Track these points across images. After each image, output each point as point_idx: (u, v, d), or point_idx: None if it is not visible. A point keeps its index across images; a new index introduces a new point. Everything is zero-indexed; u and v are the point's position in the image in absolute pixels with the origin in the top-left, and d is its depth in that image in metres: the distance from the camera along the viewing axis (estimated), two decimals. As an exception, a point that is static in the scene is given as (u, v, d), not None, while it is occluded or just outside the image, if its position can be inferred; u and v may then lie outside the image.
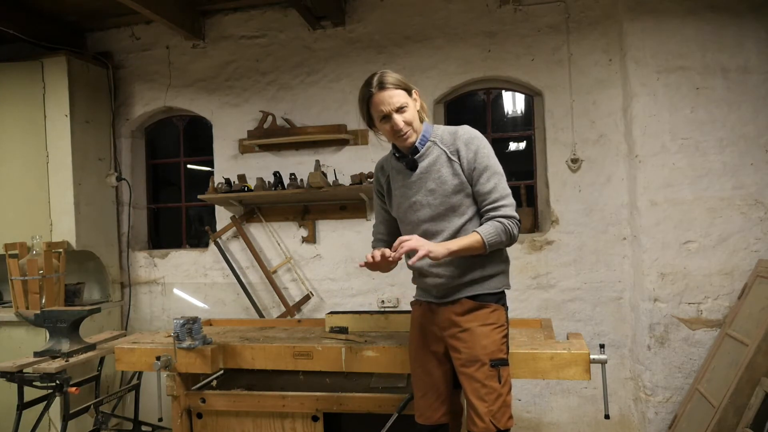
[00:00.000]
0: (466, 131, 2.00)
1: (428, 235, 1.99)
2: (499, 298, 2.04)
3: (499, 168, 1.98)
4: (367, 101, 1.99)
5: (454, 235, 1.97)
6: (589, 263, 3.67)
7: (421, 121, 2.04)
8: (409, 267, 2.00)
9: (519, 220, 1.96)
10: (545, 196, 3.84)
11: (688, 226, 3.38)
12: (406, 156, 2.04)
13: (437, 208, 1.98)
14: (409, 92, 1.99)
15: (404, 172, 2.06)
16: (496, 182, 1.95)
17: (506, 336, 2.02)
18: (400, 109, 1.96)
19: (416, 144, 2.00)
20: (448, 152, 1.98)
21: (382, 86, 1.94)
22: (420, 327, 2.13)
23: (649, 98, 3.41)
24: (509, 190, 1.97)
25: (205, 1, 4.08)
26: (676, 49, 3.38)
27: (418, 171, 2.01)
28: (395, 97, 1.94)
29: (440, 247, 1.88)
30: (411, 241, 1.86)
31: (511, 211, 1.94)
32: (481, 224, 1.96)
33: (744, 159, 3.33)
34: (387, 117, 1.97)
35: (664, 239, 3.39)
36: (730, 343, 3.15)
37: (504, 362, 1.96)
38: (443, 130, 2.04)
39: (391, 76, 1.97)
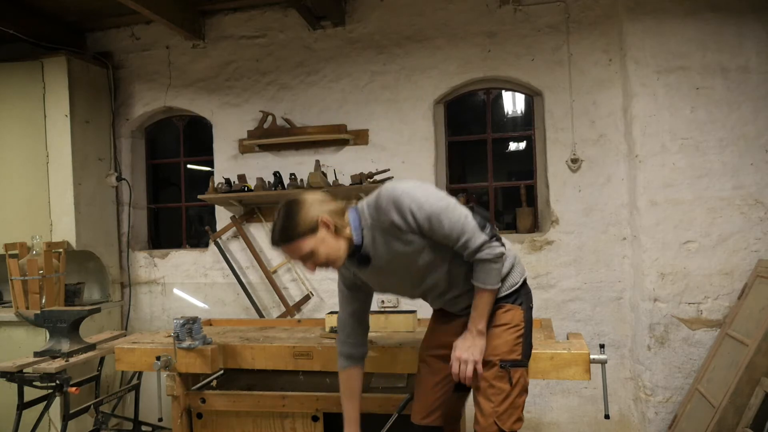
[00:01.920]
0: (385, 197, 1.78)
1: (425, 292, 1.99)
2: (515, 297, 1.97)
3: (437, 203, 1.76)
4: None
5: (447, 279, 1.91)
6: (589, 263, 3.67)
7: (343, 227, 1.82)
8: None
9: (489, 238, 1.78)
10: (545, 196, 3.84)
11: (688, 226, 3.38)
12: (355, 254, 1.89)
13: (416, 275, 1.92)
14: (312, 231, 1.77)
15: (362, 266, 1.93)
16: (447, 223, 1.75)
17: (522, 336, 1.94)
18: (304, 258, 1.81)
19: (354, 241, 1.84)
20: (386, 228, 1.81)
21: (276, 243, 1.81)
22: (432, 330, 2.13)
23: (649, 98, 3.41)
24: (461, 216, 1.76)
25: (205, 1, 4.08)
26: (676, 49, 3.38)
27: (372, 262, 1.89)
28: (293, 252, 1.80)
29: (477, 340, 1.87)
30: (466, 364, 1.86)
31: (476, 239, 1.76)
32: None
33: (744, 159, 3.33)
34: None
35: (664, 239, 3.39)
36: (730, 343, 3.15)
37: (517, 363, 1.90)
38: (368, 209, 1.85)
39: (283, 229, 1.78)
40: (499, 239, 1.83)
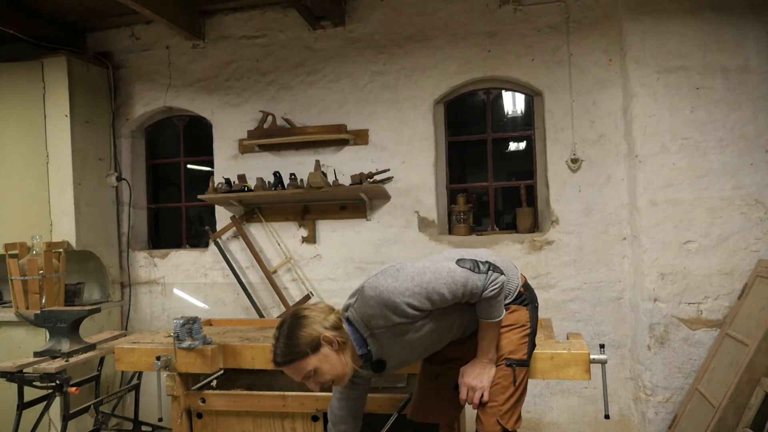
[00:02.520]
0: (375, 305, 1.71)
1: (444, 339, 1.95)
2: (522, 299, 1.97)
3: (423, 277, 1.71)
4: None
5: (463, 328, 1.92)
6: (589, 263, 3.67)
7: (343, 347, 1.77)
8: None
9: (486, 272, 1.74)
10: (545, 196, 3.84)
11: (688, 226, 3.38)
12: (366, 363, 1.85)
13: (437, 341, 1.91)
14: (314, 350, 1.73)
15: (378, 371, 1.88)
16: (445, 289, 1.71)
17: (528, 336, 1.94)
18: (307, 377, 1.77)
19: (359, 352, 1.80)
20: (392, 329, 1.76)
21: (278, 365, 1.77)
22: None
23: (649, 98, 3.41)
24: (446, 274, 1.72)
25: (205, 1, 4.08)
26: (676, 49, 3.38)
27: (388, 364, 1.87)
28: (296, 373, 1.77)
29: (487, 368, 1.87)
30: (474, 391, 1.86)
31: (472, 284, 1.72)
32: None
33: (744, 159, 3.32)
34: None
35: (664, 239, 3.39)
36: (730, 343, 3.14)
37: (522, 363, 1.91)
38: (363, 318, 1.77)
39: (284, 349, 1.74)
40: (493, 266, 1.78)
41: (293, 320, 1.78)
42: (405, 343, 1.81)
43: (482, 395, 1.86)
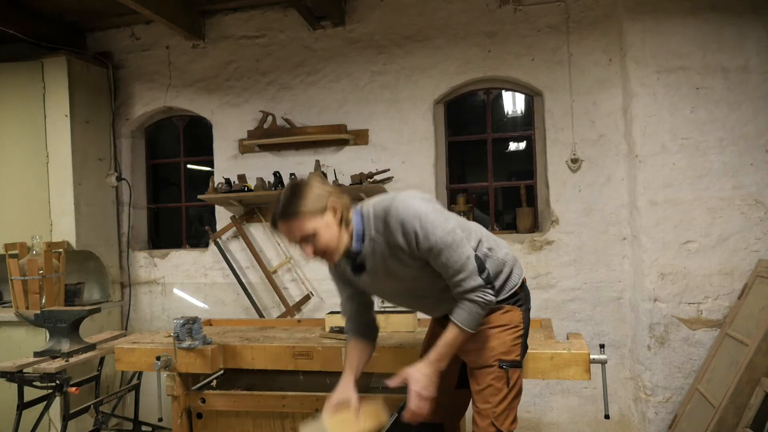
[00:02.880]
0: (395, 215, 1.73)
1: (417, 298, 1.95)
2: (516, 299, 1.96)
3: (445, 237, 1.71)
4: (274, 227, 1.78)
5: (443, 293, 1.84)
6: (589, 263, 3.67)
7: (347, 224, 1.79)
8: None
9: (486, 284, 1.76)
10: (545, 196, 3.84)
11: (688, 226, 3.38)
12: (349, 258, 1.85)
13: (409, 287, 1.89)
14: (319, 213, 1.72)
15: (355, 272, 1.89)
16: (446, 259, 1.73)
17: (521, 337, 1.94)
18: (305, 239, 1.73)
19: (354, 248, 1.80)
20: (389, 245, 1.76)
21: (279, 217, 1.73)
22: (434, 330, 2.12)
23: (649, 98, 3.41)
24: (463, 255, 1.74)
25: (205, 1, 4.08)
26: (676, 49, 3.38)
27: (367, 270, 1.84)
28: (294, 230, 1.72)
29: (429, 374, 1.78)
30: (426, 402, 1.77)
31: (472, 280, 1.74)
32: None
33: (744, 159, 3.32)
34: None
35: (664, 239, 3.39)
36: (730, 343, 3.15)
37: (515, 364, 1.90)
38: (375, 218, 1.78)
39: (289, 204, 1.71)
40: (492, 286, 1.80)
41: (302, 181, 1.77)
42: (389, 267, 1.80)
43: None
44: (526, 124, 4.05)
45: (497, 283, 1.91)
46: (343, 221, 1.77)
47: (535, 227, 3.92)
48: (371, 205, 1.83)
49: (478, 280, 1.75)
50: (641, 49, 3.42)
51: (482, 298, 1.76)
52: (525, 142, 4.09)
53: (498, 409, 1.87)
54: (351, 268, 1.88)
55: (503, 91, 4.08)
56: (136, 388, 3.50)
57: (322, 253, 1.76)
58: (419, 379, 1.78)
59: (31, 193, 3.95)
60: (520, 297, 1.98)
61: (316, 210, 1.71)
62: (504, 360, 1.89)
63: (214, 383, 2.70)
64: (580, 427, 3.71)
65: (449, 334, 1.80)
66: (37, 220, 3.91)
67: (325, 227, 1.72)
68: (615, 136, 3.64)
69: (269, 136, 4.02)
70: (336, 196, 1.77)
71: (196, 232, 4.65)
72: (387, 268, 1.82)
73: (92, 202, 4.14)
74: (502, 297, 1.92)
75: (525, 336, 1.97)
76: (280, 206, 1.73)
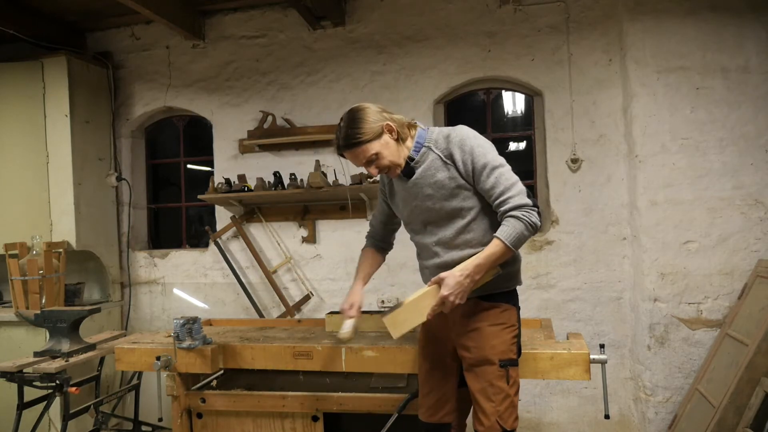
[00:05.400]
0: (459, 133, 1.93)
1: (434, 234, 2.00)
2: (510, 297, 2.03)
3: (499, 160, 1.90)
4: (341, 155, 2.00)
5: (460, 233, 1.94)
6: (589, 263, 3.67)
7: (404, 139, 1.98)
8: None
9: (533, 205, 1.85)
10: (545, 196, 3.84)
11: (688, 226, 3.38)
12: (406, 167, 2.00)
13: (437, 213, 1.96)
14: (377, 136, 1.90)
15: (402, 178, 2.02)
16: (497, 176, 1.86)
17: (516, 336, 2.00)
18: (370, 162, 1.93)
19: (411, 152, 1.97)
20: (443, 156, 1.93)
21: (343, 148, 1.93)
22: (429, 325, 2.12)
23: (649, 98, 3.41)
24: (514, 179, 1.88)
25: (205, 1, 4.08)
26: (676, 49, 3.38)
27: (414, 178, 1.97)
28: (359, 155, 1.92)
29: (462, 282, 1.85)
30: (452, 304, 1.86)
31: (520, 199, 1.84)
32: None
33: (744, 159, 3.33)
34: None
35: (664, 239, 3.39)
36: (730, 343, 3.15)
37: (513, 363, 1.95)
38: (438, 134, 1.98)
39: (350, 133, 1.89)
40: (539, 212, 1.88)
41: (355, 110, 1.93)
42: (434, 180, 1.94)
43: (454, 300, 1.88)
44: (526, 124, 4.05)
45: (512, 271, 2.01)
46: (400, 137, 1.95)
47: (535, 227, 3.91)
48: (437, 128, 2.02)
49: (526, 200, 1.84)
50: (641, 49, 3.42)
51: (528, 217, 1.83)
52: (525, 142, 4.09)
53: (501, 407, 1.91)
54: (403, 172, 1.99)
55: (503, 91, 4.08)
56: (136, 388, 3.50)
57: (386, 170, 1.95)
58: (452, 286, 1.86)
59: (31, 193, 3.95)
60: (514, 296, 2.05)
61: (374, 134, 1.89)
62: (504, 359, 1.93)
63: (214, 383, 2.70)
64: (580, 427, 3.71)
65: (491, 248, 1.85)
66: (37, 220, 3.91)
67: (385, 147, 1.91)
68: (615, 136, 3.64)
69: (269, 136, 4.02)
70: (390, 116, 1.93)
71: (196, 232, 4.65)
72: (428, 182, 1.94)
73: (92, 202, 4.14)
74: (499, 290, 1.98)
75: (519, 335, 2.04)
76: (342, 136, 1.91)
